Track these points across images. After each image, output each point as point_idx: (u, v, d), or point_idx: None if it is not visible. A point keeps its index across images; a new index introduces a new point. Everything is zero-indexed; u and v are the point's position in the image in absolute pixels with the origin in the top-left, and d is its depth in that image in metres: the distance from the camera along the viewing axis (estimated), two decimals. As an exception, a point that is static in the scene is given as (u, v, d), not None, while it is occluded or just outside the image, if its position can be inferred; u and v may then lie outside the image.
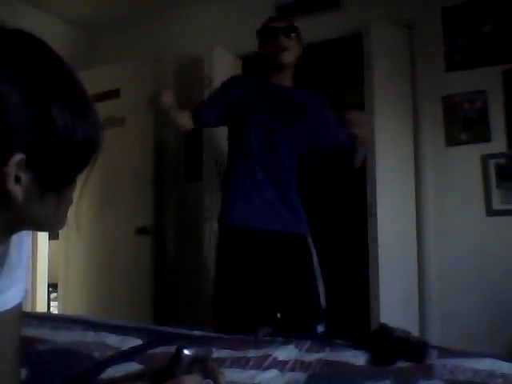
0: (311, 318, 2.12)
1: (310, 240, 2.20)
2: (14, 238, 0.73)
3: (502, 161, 2.77)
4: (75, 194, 0.69)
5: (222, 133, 3.28)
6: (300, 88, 2.34)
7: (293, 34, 2.22)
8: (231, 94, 2.24)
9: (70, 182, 0.65)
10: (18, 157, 0.55)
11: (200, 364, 0.65)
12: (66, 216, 0.68)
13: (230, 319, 2.10)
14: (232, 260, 2.13)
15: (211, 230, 3.18)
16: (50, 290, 4.43)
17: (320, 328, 2.09)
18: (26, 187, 0.58)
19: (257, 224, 2.12)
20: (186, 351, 0.63)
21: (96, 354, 1.32)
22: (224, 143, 3.29)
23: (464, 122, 2.86)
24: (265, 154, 2.15)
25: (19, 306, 0.80)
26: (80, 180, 0.67)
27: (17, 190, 0.57)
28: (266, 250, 2.13)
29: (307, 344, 1.37)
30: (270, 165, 2.15)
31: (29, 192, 0.58)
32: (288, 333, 1.81)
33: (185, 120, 2.29)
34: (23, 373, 1.06)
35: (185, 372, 0.63)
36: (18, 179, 0.57)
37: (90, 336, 1.48)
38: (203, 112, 2.31)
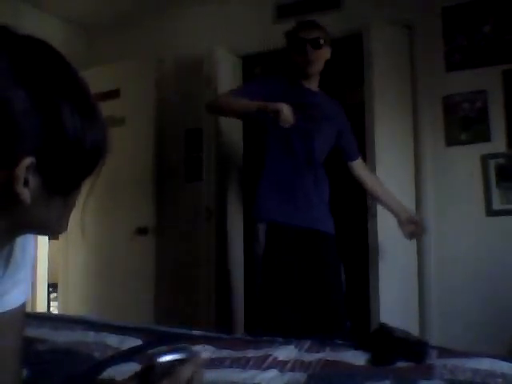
0: (344, 314, 2.34)
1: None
2: (19, 238, 0.73)
3: (501, 161, 2.77)
4: (80, 199, 0.69)
5: (222, 133, 3.29)
6: (323, 93, 2.46)
7: (321, 45, 2.27)
8: (268, 92, 2.23)
9: (77, 186, 0.65)
10: (28, 160, 0.56)
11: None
12: (69, 220, 0.69)
13: (280, 316, 2.16)
14: (282, 255, 2.22)
15: (211, 229, 3.19)
16: (50, 289, 4.44)
17: (348, 324, 2.24)
18: (33, 190, 0.58)
19: (302, 223, 2.26)
20: (159, 359, 0.64)
21: (96, 354, 1.32)
22: (227, 142, 3.30)
23: (464, 122, 2.86)
24: (307, 159, 2.29)
25: (22, 306, 0.80)
26: (86, 185, 0.67)
27: (25, 193, 0.57)
28: (310, 248, 2.28)
29: (307, 344, 1.37)
30: (311, 169, 2.32)
31: (36, 195, 0.59)
32: (326, 328, 1.93)
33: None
34: (23, 373, 1.06)
35: (159, 379, 0.63)
36: (26, 182, 0.57)
37: (90, 336, 1.48)
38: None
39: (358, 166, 2.52)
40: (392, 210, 2.44)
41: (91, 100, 0.63)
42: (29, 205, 0.58)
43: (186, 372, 0.66)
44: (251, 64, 3.92)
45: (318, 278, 2.28)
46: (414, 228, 2.38)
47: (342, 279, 2.40)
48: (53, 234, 0.72)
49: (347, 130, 2.49)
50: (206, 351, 0.72)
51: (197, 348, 0.73)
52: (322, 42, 2.26)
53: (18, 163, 0.55)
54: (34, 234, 0.72)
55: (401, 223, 2.39)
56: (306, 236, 2.28)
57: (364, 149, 2.87)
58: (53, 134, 0.57)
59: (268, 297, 2.20)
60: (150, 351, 0.65)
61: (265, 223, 2.24)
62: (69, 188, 0.64)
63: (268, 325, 2.13)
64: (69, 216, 0.68)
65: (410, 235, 2.40)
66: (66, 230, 0.69)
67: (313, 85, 2.37)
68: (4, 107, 0.54)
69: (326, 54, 2.31)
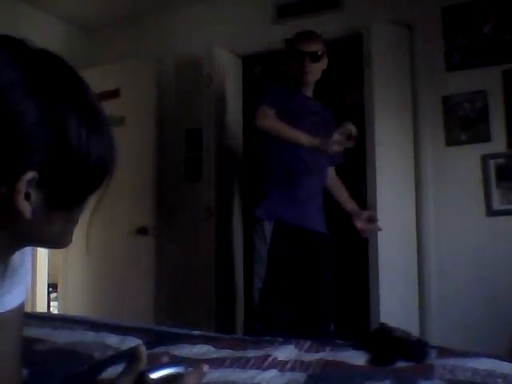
0: (330, 315, 2.40)
1: None
2: None
3: (501, 161, 2.77)
4: (86, 214, 0.69)
5: (223, 133, 3.29)
6: (318, 100, 2.54)
7: (319, 58, 2.34)
8: (279, 102, 2.30)
9: (81, 202, 0.65)
10: (30, 174, 0.56)
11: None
12: (72, 234, 0.69)
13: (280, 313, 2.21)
14: (287, 254, 2.28)
15: (211, 229, 3.18)
16: (50, 290, 4.43)
17: (332, 326, 2.27)
18: (35, 205, 0.58)
19: (305, 224, 2.34)
20: (151, 375, 0.62)
21: (96, 354, 1.32)
22: (227, 142, 3.30)
23: (464, 122, 2.86)
24: (314, 163, 2.36)
25: (21, 305, 0.81)
26: (92, 201, 0.67)
27: (26, 207, 0.57)
28: (310, 249, 2.35)
29: (307, 344, 1.37)
30: (316, 175, 2.41)
31: (37, 210, 0.59)
32: (309, 330, 1.96)
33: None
34: (23, 373, 1.06)
35: None
36: (27, 196, 0.57)
37: (90, 336, 1.48)
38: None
39: (332, 171, 2.62)
40: (348, 209, 2.50)
41: (100, 115, 0.63)
42: (30, 219, 0.58)
43: (190, 383, 0.64)
44: (251, 64, 3.92)
45: (312, 278, 2.35)
46: (368, 225, 2.39)
47: (331, 281, 2.46)
48: (55, 248, 0.72)
49: None
50: (204, 365, 0.69)
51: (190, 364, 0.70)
52: (320, 54, 2.33)
53: (19, 177, 0.55)
54: (36, 246, 0.72)
55: (357, 221, 2.42)
56: (308, 237, 2.34)
57: (364, 149, 2.88)
58: (58, 148, 0.57)
59: (272, 295, 2.24)
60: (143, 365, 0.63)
61: (271, 222, 2.29)
62: (72, 203, 0.63)
63: (268, 322, 2.15)
64: (72, 230, 0.68)
65: (364, 232, 2.43)
66: (69, 244, 0.69)
67: (309, 92, 2.46)
68: (12, 121, 0.54)
69: (323, 65, 2.40)
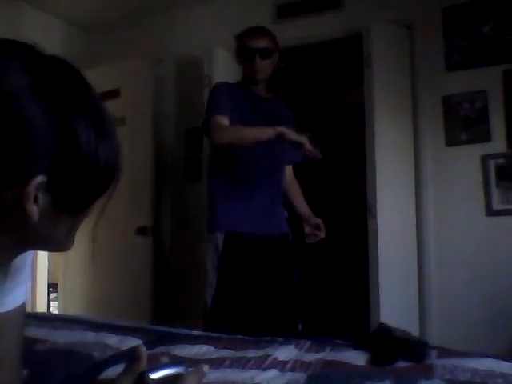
0: (296, 315, 2.30)
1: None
2: None
3: (501, 161, 2.77)
4: (91, 220, 0.69)
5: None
6: (277, 98, 2.44)
7: (269, 54, 2.23)
8: (228, 106, 2.20)
9: (86, 207, 0.66)
10: (40, 178, 0.56)
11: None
12: (74, 239, 0.69)
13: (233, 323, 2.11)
14: (238, 264, 2.18)
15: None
16: (50, 289, 4.44)
17: (300, 326, 2.21)
18: (42, 208, 0.58)
19: (264, 231, 2.23)
20: (151, 375, 0.62)
21: (96, 354, 1.32)
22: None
23: (464, 122, 2.86)
24: (269, 165, 2.25)
25: (22, 305, 0.81)
26: (96, 206, 0.67)
27: (34, 210, 0.57)
28: (266, 254, 2.24)
29: (307, 344, 1.37)
30: (273, 175, 2.29)
31: (44, 213, 0.59)
32: (275, 331, 1.90)
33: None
34: (23, 373, 1.07)
35: None
36: (35, 199, 0.57)
37: (90, 336, 1.48)
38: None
39: (290, 170, 2.50)
40: (300, 214, 2.41)
41: (108, 121, 0.64)
42: (36, 222, 0.58)
43: (190, 383, 0.64)
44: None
45: (274, 281, 2.25)
46: (314, 231, 2.31)
47: (295, 280, 2.35)
48: (57, 251, 0.73)
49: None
50: (204, 365, 0.69)
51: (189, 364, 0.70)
52: (270, 51, 2.23)
53: (29, 181, 0.56)
54: (39, 250, 0.73)
55: (306, 225, 2.34)
56: (264, 243, 2.24)
57: (364, 149, 2.88)
58: (67, 153, 0.58)
59: (223, 305, 2.16)
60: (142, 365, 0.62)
61: (223, 234, 2.19)
62: (78, 208, 0.64)
63: (219, 328, 2.07)
64: (74, 235, 0.69)
65: (309, 238, 2.34)
66: (71, 248, 0.70)
67: (262, 90, 2.34)
68: (22, 125, 0.55)
69: (274, 61, 2.29)
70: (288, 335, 1.71)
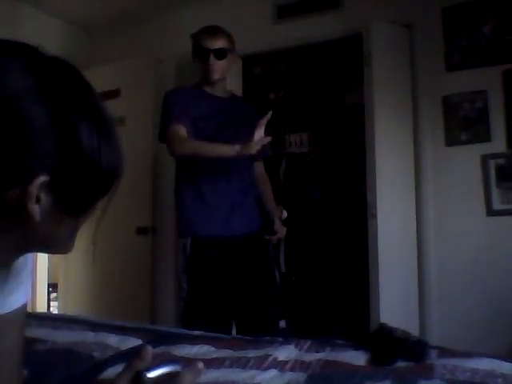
0: (277, 313, 2.31)
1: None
2: None
3: (501, 161, 2.77)
4: (92, 222, 0.69)
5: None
6: (238, 98, 2.42)
7: (224, 54, 2.22)
8: (183, 112, 2.19)
9: (88, 208, 0.66)
10: (42, 178, 0.56)
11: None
12: (75, 240, 0.70)
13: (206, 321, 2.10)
14: (206, 268, 2.18)
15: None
16: (50, 290, 4.44)
17: (282, 323, 2.20)
18: (44, 208, 0.59)
19: (233, 231, 2.22)
20: (148, 374, 0.62)
21: (96, 354, 1.32)
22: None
23: (464, 122, 2.86)
24: (230, 166, 2.21)
25: (24, 306, 0.82)
26: (98, 208, 0.67)
27: (35, 210, 0.58)
28: (238, 253, 2.24)
29: (307, 344, 1.37)
30: (237, 175, 2.26)
31: (46, 214, 0.59)
32: (254, 330, 1.91)
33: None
34: (24, 373, 1.07)
35: None
36: (37, 199, 0.57)
37: (90, 336, 1.48)
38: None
39: (259, 166, 2.48)
40: (269, 211, 2.42)
41: (109, 122, 0.64)
42: (38, 222, 0.59)
43: (187, 381, 0.64)
44: (251, 64, 3.92)
45: (250, 280, 2.25)
46: (278, 230, 2.34)
47: (276, 276, 2.36)
48: (58, 253, 0.73)
49: None
50: (199, 362, 0.69)
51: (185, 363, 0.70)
52: (226, 51, 2.21)
53: (32, 180, 0.56)
54: (40, 252, 0.73)
55: (274, 224, 2.37)
56: (234, 243, 2.22)
57: (364, 149, 2.88)
58: (69, 153, 0.58)
59: (196, 308, 2.16)
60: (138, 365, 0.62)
61: (189, 237, 2.20)
62: (80, 209, 0.64)
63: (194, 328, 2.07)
64: (75, 237, 0.69)
65: (274, 236, 2.37)
66: (72, 250, 0.70)
67: (219, 90, 2.32)
68: (24, 125, 0.55)
69: (230, 61, 2.28)
70: (269, 333, 1.72)
